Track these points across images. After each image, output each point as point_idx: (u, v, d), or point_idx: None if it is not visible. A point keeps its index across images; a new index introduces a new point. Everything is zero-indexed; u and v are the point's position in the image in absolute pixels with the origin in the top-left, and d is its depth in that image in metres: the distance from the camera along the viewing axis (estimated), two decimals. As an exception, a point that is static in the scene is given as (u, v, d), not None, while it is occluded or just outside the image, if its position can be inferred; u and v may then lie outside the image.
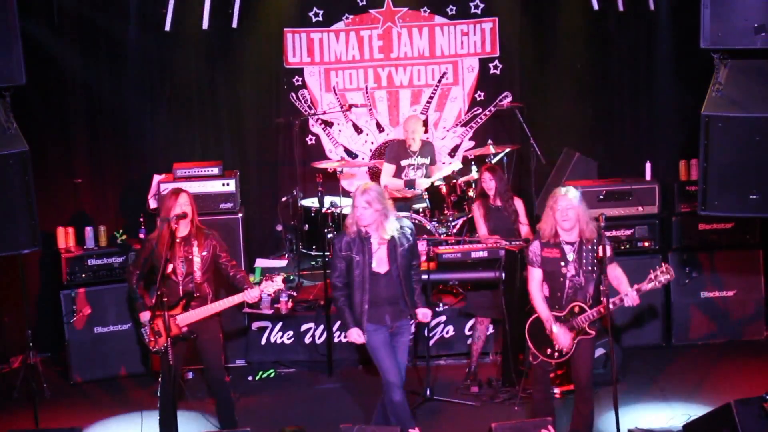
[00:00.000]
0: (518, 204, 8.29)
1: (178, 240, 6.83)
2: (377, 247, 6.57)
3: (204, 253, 6.92)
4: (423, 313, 6.78)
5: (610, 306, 6.46)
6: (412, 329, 6.88)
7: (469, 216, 9.10)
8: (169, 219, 6.76)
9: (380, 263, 6.58)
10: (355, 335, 6.59)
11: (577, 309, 6.57)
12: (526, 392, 7.56)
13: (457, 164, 9.54)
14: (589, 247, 6.54)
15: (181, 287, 6.89)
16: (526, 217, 8.37)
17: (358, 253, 6.54)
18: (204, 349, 6.98)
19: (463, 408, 7.73)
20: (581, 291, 6.58)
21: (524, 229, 8.24)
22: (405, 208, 9.16)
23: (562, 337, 6.59)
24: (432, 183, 9.40)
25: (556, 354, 6.66)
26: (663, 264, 6.56)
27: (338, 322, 8.35)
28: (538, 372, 6.80)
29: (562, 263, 6.57)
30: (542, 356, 6.69)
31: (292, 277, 9.26)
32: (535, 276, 6.71)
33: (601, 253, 6.48)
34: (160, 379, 6.95)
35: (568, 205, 6.49)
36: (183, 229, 6.88)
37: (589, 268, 6.55)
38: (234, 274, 6.98)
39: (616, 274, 6.68)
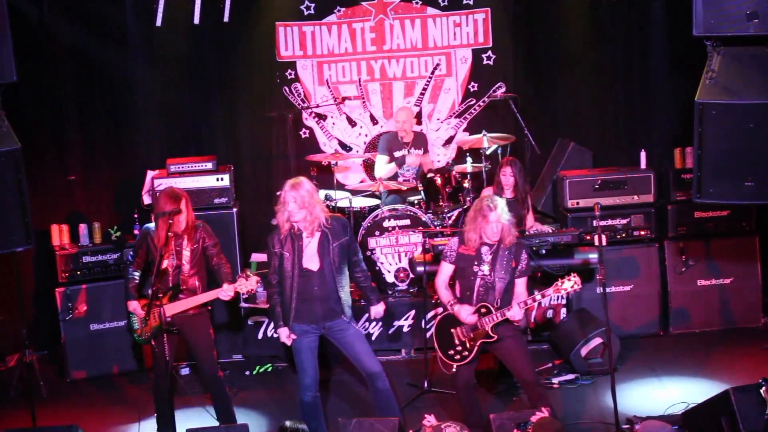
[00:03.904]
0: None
1: (170, 235, 6.81)
2: (308, 243, 6.54)
3: (194, 246, 6.90)
4: (375, 312, 6.87)
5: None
6: (352, 323, 6.74)
7: (466, 207, 9.08)
8: (165, 213, 6.74)
9: (311, 260, 6.53)
10: (284, 336, 6.60)
11: (483, 310, 6.57)
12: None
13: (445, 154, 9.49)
14: (506, 252, 6.55)
15: (170, 279, 6.88)
16: (532, 207, 8.43)
17: (288, 250, 6.52)
18: (194, 345, 6.97)
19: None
20: (492, 291, 6.56)
21: (530, 219, 8.31)
22: (400, 200, 9.16)
23: (463, 313, 6.60)
24: (425, 174, 9.40)
25: (458, 356, 6.66)
26: (573, 274, 6.47)
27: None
28: (460, 377, 6.77)
29: (476, 262, 6.59)
30: (447, 360, 6.71)
31: None
32: (444, 270, 6.76)
33: (514, 264, 6.52)
34: (152, 374, 6.94)
35: (497, 220, 6.47)
36: (177, 225, 6.85)
37: (502, 272, 6.54)
38: (218, 265, 6.93)
39: (519, 290, 6.63)
